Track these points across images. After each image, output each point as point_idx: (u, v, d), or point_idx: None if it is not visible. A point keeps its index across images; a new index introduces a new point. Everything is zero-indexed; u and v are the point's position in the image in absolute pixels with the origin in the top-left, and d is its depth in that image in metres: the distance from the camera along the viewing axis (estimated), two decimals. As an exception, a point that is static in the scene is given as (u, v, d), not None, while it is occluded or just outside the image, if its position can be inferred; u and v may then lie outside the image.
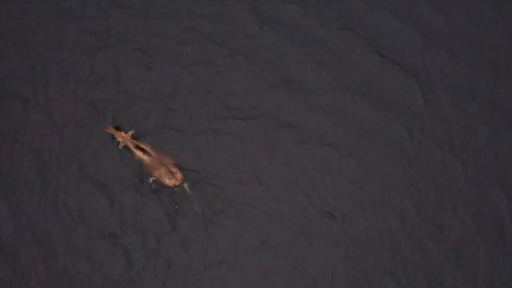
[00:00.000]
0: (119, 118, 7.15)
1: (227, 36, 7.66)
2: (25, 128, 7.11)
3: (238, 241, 6.66)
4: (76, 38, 7.61)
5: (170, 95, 7.30)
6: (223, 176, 6.88)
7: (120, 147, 6.87)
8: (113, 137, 6.96)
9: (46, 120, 7.15)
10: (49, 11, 7.76)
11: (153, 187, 6.82)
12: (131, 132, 6.90)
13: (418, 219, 6.83)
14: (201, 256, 6.61)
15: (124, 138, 6.87)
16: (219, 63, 7.49)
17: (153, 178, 6.81)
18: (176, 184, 6.73)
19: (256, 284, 6.55)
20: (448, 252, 6.71)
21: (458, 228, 6.81)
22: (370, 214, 6.83)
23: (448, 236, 6.77)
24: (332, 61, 7.57)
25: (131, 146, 6.87)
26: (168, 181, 6.73)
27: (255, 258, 6.61)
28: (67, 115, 7.17)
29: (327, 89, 7.41)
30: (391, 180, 7.00)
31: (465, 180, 7.03)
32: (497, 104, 7.44)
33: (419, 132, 7.23)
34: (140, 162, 6.90)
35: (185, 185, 6.76)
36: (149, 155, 6.84)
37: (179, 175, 6.75)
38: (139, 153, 6.85)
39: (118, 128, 7.02)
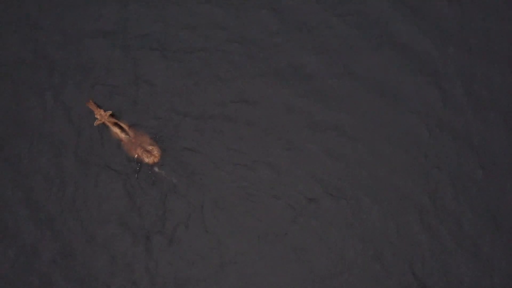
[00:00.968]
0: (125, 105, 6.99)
1: (232, 21, 7.45)
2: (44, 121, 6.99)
3: (243, 227, 6.47)
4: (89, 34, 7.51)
5: (180, 82, 7.12)
6: (228, 162, 6.70)
7: (95, 124, 6.70)
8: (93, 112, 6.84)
9: (64, 112, 6.99)
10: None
11: (137, 168, 6.62)
12: (109, 112, 6.73)
13: (433, 209, 6.55)
14: (205, 238, 6.45)
15: (102, 116, 6.70)
16: (224, 48, 7.27)
17: (135, 157, 6.63)
18: (155, 161, 6.57)
19: (265, 267, 6.36)
20: (464, 245, 6.41)
21: (476, 221, 6.50)
22: (382, 200, 6.58)
23: (464, 230, 6.48)
24: (341, 49, 7.28)
25: (109, 124, 6.69)
26: (147, 160, 6.56)
27: (261, 243, 6.42)
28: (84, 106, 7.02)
29: (335, 76, 7.15)
30: (404, 169, 6.72)
31: (483, 175, 6.68)
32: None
33: (434, 124, 6.91)
34: (118, 141, 6.69)
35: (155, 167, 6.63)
36: (126, 133, 6.65)
37: (156, 152, 6.58)
38: (116, 131, 6.67)
39: (99, 106, 6.86)
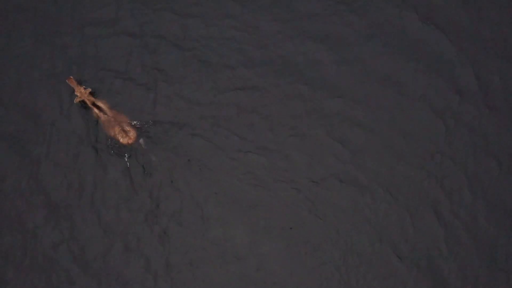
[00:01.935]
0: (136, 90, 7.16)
1: (239, 10, 7.57)
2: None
3: (249, 216, 6.66)
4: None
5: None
6: (235, 148, 6.89)
7: (75, 102, 6.90)
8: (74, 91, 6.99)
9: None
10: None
11: (111, 148, 6.84)
12: (89, 90, 6.90)
13: (447, 202, 6.68)
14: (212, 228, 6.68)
15: (82, 93, 6.88)
16: (230, 37, 7.43)
17: (110, 137, 6.83)
18: (129, 142, 6.79)
19: (273, 257, 6.56)
20: (480, 239, 6.55)
21: (492, 216, 6.61)
22: (391, 187, 6.75)
23: (479, 224, 6.61)
24: (347, 37, 7.41)
25: (87, 102, 6.87)
26: (122, 140, 6.80)
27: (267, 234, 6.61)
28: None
29: (343, 64, 7.31)
30: (419, 162, 6.86)
31: (498, 169, 6.82)
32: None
33: (449, 117, 7.04)
34: (97, 120, 6.90)
35: (141, 141, 6.83)
36: (105, 113, 6.84)
37: (132, 133, 6.81)
38: (95, 110, 6.86)
39: (79, 82, 7.02)
